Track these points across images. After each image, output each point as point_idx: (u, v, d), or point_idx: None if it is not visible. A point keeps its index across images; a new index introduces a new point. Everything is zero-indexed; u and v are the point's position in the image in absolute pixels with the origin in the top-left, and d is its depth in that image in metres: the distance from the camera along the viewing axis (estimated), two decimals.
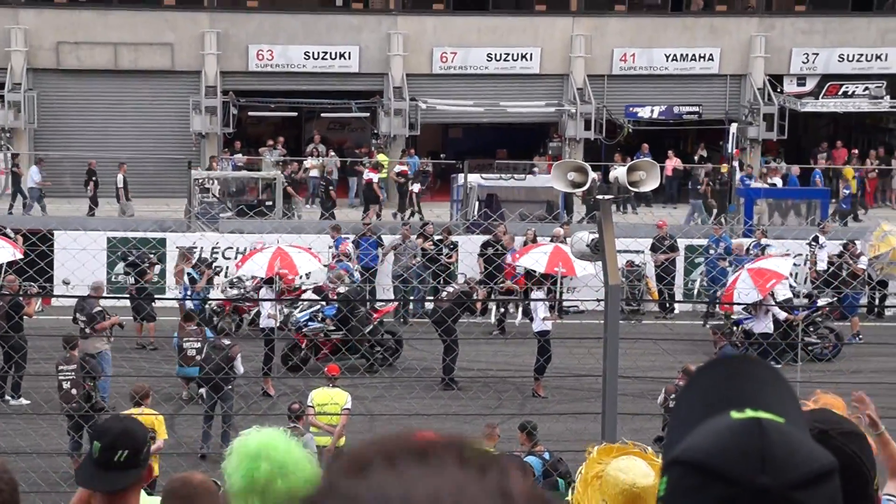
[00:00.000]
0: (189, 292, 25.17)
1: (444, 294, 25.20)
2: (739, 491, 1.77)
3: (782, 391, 1.96)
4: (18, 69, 40.73)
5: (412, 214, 37.61)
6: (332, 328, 23.68)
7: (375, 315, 24.56)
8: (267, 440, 4.96)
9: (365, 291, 26.89)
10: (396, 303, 27.32)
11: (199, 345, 20.80)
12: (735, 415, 1.86)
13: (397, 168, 39.19)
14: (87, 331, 20.95)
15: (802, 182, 39.54)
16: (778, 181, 38.74)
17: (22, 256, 23.63)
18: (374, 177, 38.24)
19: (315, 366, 22.75)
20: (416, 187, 39.03)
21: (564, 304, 26.37)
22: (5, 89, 40.16)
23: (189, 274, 25.73)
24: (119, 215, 35.58)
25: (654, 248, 29.01)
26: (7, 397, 21.32)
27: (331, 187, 37.57)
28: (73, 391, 17.94)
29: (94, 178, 37.20)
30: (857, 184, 39.74)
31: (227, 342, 20.01)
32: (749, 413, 1.86)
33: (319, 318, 24.03)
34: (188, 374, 21.10)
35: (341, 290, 24.68)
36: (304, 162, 40.03)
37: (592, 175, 10.78)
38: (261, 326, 23.19)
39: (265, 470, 4.83)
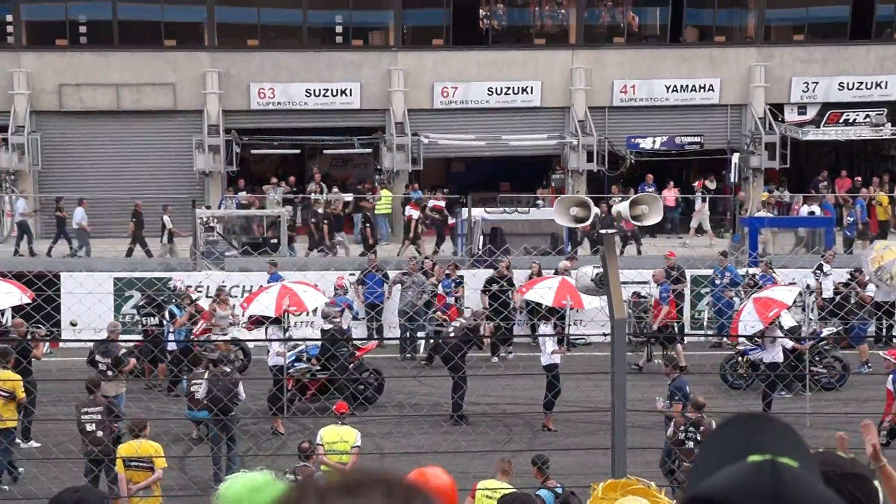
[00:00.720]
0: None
1: (451, 330, 25.22)
2: None
3: (796, 441, 2.05)
4: (22, 112, 40.90)
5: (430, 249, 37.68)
6: (318, 368, 23.52)
7: (358, 353, 24.52)
8: (251, 485, 4.95)
9: (348, 331, 26.59)
10: (377, 341, 27.30)
11: (205, 387, 20.77)
12: (752, 458, 1.94)
13: (431, 202, 39.29)
14: (110, 374, 20.91)
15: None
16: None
17: (30, 301, 23.68)
18: (415, 213, 38.32)
19: (304, 406, 22.79)
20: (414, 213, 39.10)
21: (572, 337, 26.37)
22: (9, 132, 40.32)
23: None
24: (166, 256, 35.24)
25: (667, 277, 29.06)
26: (18, 441, 21.31)
27: (325, 221, 37.52)
28: (99, 434, 17.94)
29: (134, 220, 37.03)
30: (861, 212, 39.66)
31: (227, 369, 20.14)
32: (766, 456, 1.94)
33: (305, 359, 23.80)
34: (196, 417, 20.90)
35: (325, 327, 24.48)
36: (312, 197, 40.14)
37: (595, 210, 10.84)
38: (269, 365, 23.18)
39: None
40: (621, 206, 10.83)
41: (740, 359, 24.88)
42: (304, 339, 24.36)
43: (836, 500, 1.91)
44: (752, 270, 29.02)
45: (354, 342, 25.18)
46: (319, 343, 23.54)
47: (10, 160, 40.23)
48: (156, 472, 16.75)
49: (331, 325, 24.28)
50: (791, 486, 1.87)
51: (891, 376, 21.02)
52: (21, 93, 41.02)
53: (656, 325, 27.81)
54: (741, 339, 24.85)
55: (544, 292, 26.13)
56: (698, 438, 17.31)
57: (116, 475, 17.01)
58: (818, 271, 29.23)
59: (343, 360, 23.09)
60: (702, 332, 29.99)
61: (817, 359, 25.38)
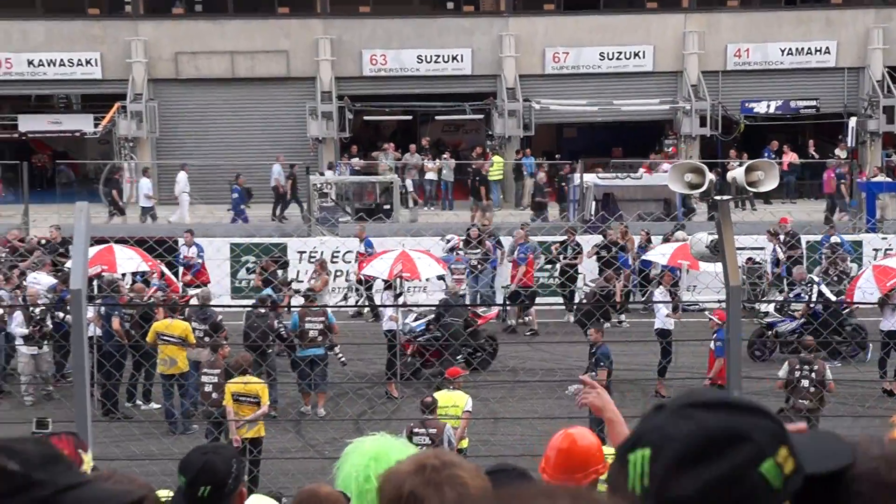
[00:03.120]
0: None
1: (583, 295, 25.18)
2: None
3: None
4: (140, 80, 41.59)
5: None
6: (438, 335, 23.75)
7: (480, 321, 24.62)
8: (382, 444, 5.05)
9: (463, 297, 26.80)
10: (499, 309, 27.30)
11: (320, 326, 21.26)
12: None
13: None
14: (206, 339, 21.33)
15: None
16: None
17: (150, 268, 24.20)
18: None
19: (421, 372, 23.05)
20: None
21: (685, 303, 26.26)
22: (127, 100, 41.05)
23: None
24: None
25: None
26: (138, 402, 21.82)
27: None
28: (214, 395, 18.36)
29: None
30: None
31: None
32: None
33: (427, 326, 24.07)
34: (308, 354, 21.27)
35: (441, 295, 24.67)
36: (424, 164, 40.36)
37: (710, 176, 10.78)
38: (383, 330, 23.39)
39: (380, 466, 4.94)
40: (737, 172, 10.77)
41: (768, 332, 24.56)
42: (428, 305, 24.48)
43: None
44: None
45: (476, 310, 25.30)
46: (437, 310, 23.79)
47: (128, 128, 40.99)
48: (262, 407, 17.40)
49: (447, 294, 24.60)
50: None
51: (714, 335, 20.90)
52: (139, 61, 41.70)
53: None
54: (771, 311, 24.65)
55: (663, 251, 26.12)
56: (812, 377, 18.37)
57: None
58: None
59: (458, 328, 23.24)
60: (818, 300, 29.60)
61: None
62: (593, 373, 19.14)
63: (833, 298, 24.91)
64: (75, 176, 43.58)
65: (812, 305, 24.14)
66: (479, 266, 28.17)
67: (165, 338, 20.44)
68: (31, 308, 21.74)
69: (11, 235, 28.60)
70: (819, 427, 18.98)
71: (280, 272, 26.55)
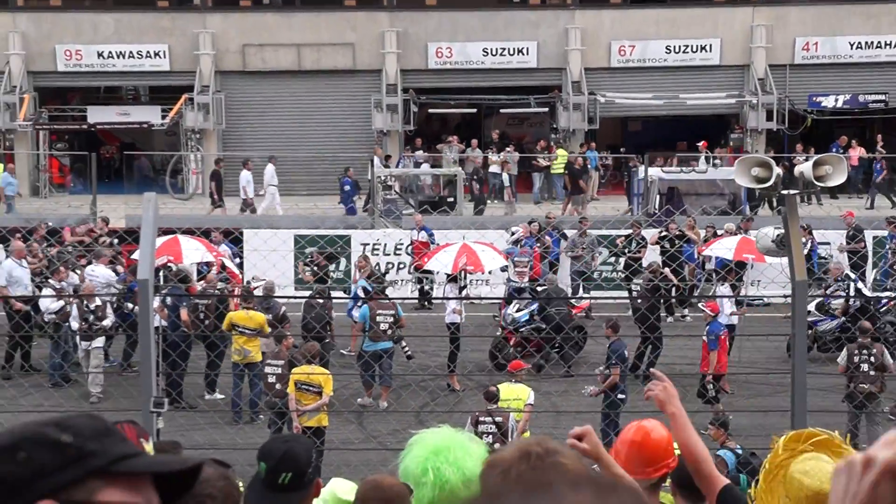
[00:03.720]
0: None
1: (637, 288, 25.12)
2: None
3: None
4: (207, 72, 41.90)
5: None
6: (542, 326, 23.91)
7: (575, 310, 24.71)
8: (443, 438, 5.07)
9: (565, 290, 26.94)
10: (590, 300, 27.28)
11: (391, 319, 21.35)
12: None
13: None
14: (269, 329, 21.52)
15: None
16: None
17: (213, 259, 24.38)
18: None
19: (482, 363, 23.10)
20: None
21: (750, 298, 26.07)
22: (195, 92, 41.37)
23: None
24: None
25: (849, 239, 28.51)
26: (204, 392, 22.02)
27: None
28: (278, 386, 18.51)
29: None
30: None
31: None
32: None
33: (530, 317, 24.25)
34: (379, 348, 21.33)
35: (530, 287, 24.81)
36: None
37: (777, 170, 10.71)
38: (446, 322, 23.44)
39: (443, 466, 4.96)
40: (804, 167, 10.69)
41: (808, 331, 24.24)
42: (524, 299, 24.53)
43: None
44: None
45: (570, 300, 25.44)
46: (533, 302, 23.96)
47: (195, 119, 41.32)
48: (323, 397, 17.58)
49: (545, 285, 24.74)
50: None
51: (707, 328, 20.75)
52: (206, 53, 42.00)
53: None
54: (810, 310, 24.35)
55: (724, 252, 25.94)
56: (872, 360, 18.72)
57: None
58: None
59: (559, 320, 23.41)
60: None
61: None
62: (607, 371, 19.16)
63: (869, 295, 24.65)
64: (149, 165, 44.07)
65: (851, 303, 23.86)
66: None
67: (241, 329, 20.66)
68: (84, 302, 21.90)
69: (82, 228, 28.86)
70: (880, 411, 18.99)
71: (329, 265, 26.69)
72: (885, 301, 24.60)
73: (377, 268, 26.71)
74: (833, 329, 23.80)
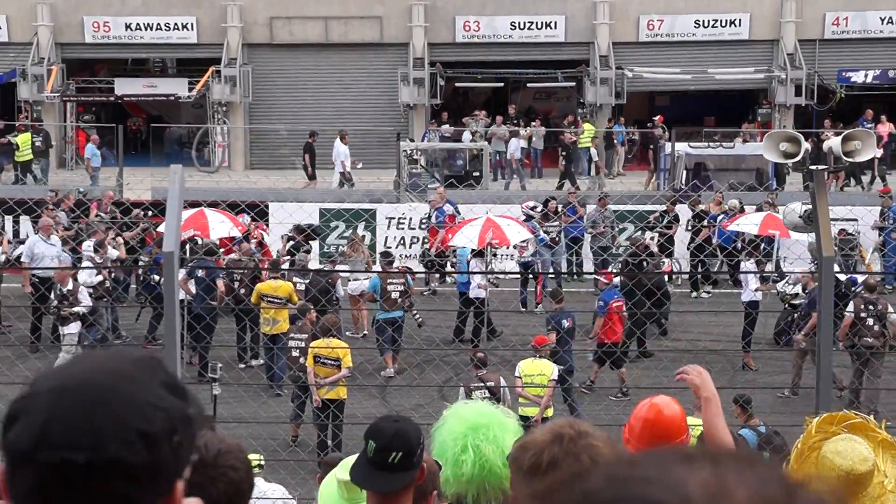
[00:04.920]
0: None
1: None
2: None
3: None
4: (234, 44, 41.86)
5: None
6: None
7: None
8: (480, 413, 5.04)
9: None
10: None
11: (401, 287, 21.53)
12: None
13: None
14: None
15: None
16: None
17: (241, 234, 24.44)
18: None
19: (505, 338, 23.14)
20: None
21: (773, 273, 25.93)
22: (222, 64, 41.34)
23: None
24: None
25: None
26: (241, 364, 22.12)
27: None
28: (301, 359, 18.55)
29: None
30: None
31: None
32: None
33: None
34: (391, 317, 21.54)
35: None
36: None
37: (806, 145, 10.63)
38: (471, 297, 23.43)
39: (482, 444, 4.93)
40: (833, 142, 10.60)
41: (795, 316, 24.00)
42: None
43: None
44: None
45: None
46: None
47: (222, 92, 41.30)
48: (342, 370, 17.66)
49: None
50: None
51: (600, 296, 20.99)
52: (234, 26, 41.94)
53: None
54: (799, 293, 24.06)
55: (749, 227, 25.80)
56: (877, 315, 19.17)
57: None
58: None
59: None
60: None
61: None
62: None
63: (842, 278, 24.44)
64: (175, 138, 44.10)
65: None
66: (556, 239, 28.02)
67: (270, 299, 20.71)
68: (58, 285, 21.45)
69: (107, 198, 28.87)
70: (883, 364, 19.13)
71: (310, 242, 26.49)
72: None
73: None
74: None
